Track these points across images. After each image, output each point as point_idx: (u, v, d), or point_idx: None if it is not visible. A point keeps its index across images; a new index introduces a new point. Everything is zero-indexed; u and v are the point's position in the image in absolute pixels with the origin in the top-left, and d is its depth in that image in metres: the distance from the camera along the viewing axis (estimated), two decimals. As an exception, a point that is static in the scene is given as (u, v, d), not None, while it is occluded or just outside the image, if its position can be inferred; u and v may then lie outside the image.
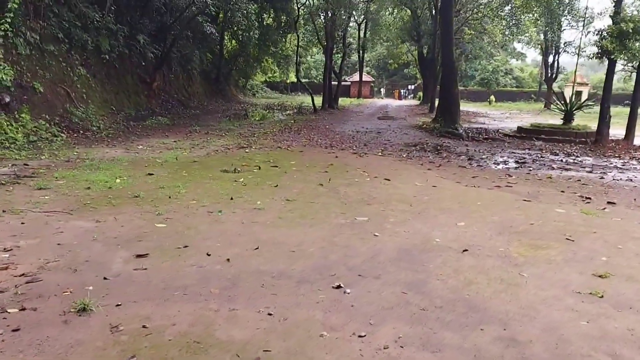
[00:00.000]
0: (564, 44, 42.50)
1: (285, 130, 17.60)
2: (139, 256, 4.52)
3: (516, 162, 11.95)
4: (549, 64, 44.20)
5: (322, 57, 44.13)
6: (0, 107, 12.04)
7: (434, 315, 3.55)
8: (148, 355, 2.92)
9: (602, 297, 3.98)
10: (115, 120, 17.45)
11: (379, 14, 41.98)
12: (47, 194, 6.90)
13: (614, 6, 15.28)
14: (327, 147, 13.38)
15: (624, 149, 14.79)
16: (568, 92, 43.20)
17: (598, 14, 23.50)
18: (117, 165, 9.38)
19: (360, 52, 49.29)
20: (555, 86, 46.22)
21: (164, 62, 24.60)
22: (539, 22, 26.59)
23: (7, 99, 12.17)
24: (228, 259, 4.51)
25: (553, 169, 11.16)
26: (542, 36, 41.58)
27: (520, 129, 18.53)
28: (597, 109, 16.82)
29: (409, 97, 59.63)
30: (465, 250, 5.04)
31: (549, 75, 44.29)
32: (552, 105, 19.57)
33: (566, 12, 24.86)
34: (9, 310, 3.38)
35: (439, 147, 13.94)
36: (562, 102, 18.42)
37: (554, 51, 43.15)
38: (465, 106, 43.44)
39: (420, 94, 47.81)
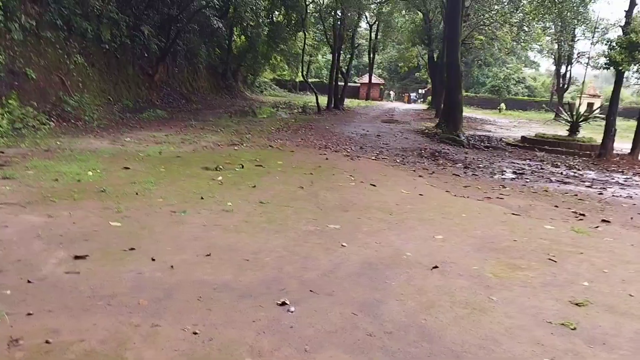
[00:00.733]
0: (577, 54, 41.80)
1: (283, 129, 17.25)
2: (77, 258, 4.17)
3: (514, 172, 11.52)
4: (561, 74, 43.50)
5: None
6: (-13, 92, 11.79)
7: (379, 342, 3.17)
8: (39, 377, 2.57)
9: (574, 329, 3.58)
10: (110, 110, 17.16)
11: (392, 16, 41.59)
12: (10, 184, 6.58)
13: (624, 16, 14.79)
14: (321, 148, 13.00)
15: (629, 164, 14.30)
16: (581, 104, 42.74)
17: (612, 24, 23.05)
18: (96, 157, 9.06)
19: (371, 53, 48.92)
20: (568, 97, 45.59)
21: (167, 55, 24.33)
22: (548, 29, 26.02)
23: (-5, 84, 11.91)
24: (172, 266, 4.15)
25: (551, 181, 10.73)
26: (555, 46, 40.94)
27: (524, 138, 18.06)
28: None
29: (419, 101, 59.12)
30: (436, 267, 4.65)
31: (561, 85, 43.59)
32: (562, 116, 18.99)
33: (579, 22, 24.22)
34: None
35: (436, 154, 13.54)
36: (568, 112, 17.91)
37: (566, 61, 42.44)
38: (474, 113, 43.08)
39: (430, 98, 47.32)
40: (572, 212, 7.77)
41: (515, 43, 32.31)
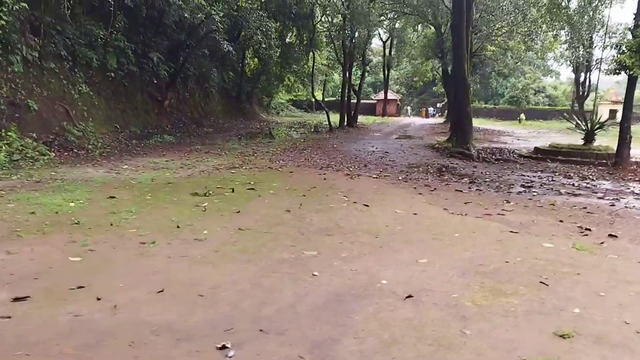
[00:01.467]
0: (595, 61, 40.82)
1: (289, 150, 17.00)
2: (16, 300, 3.90)
3: (522, 186, 11.00)
4: (580, 81, 42.54)
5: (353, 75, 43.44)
6: (-15, 125, 11.81)
7: (320, 392, 2.81)
8: None
9: (552, 368, 3.16)
10: (116, 138, 17.16)
11: (405, 31, 41.43)
12: (-17, 219, 6.41)
13: (633, 19, 14.23)
14: (322, 168, 12.67)
15: (647, 172, 13.63)
16: (603, 111, 41.60)
17: (627, 29, 22.24)
18: (85, 187, 8.89)
19: (386, 69, 48.77)
20: (590, 104, 44.48)
21: (176, 80, 24.41)
22: (558, 37, 25.42)
23: (-7, 117, 11.92)
24: (115, 306, 3.85)
25: (560, 194, 10.19)
26: (572, 53, 40.10)
27: (537, 149, 17.46)
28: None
29: (437, 115, 58.50)
30: (410, 296, 4.26)
31: (581, 93, 42.61)
32: (576, 124, 18.35)
33: (591, 28, 23.56)
34: None
35: (443, 169, 13.10)
36: (582, 120, 17.29)
37: (585, 68, 41.49)
38: (493, 125, 42.41)
39: (447, 112, 46.74)
40: (578, 226, 7.27)
41: (529, 52, 31.69)
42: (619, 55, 13.62)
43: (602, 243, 6.35)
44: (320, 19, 32.10)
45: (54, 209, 7.05)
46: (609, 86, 60.62)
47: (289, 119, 41.02)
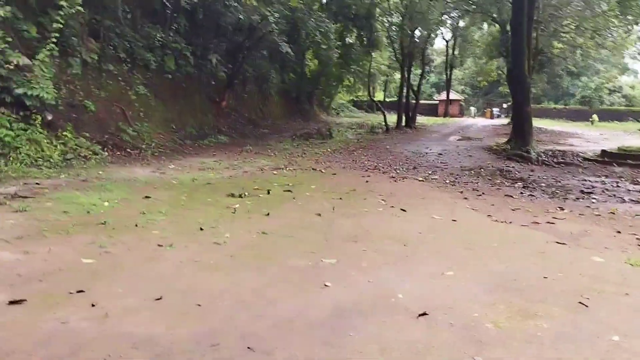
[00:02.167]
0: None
1: (339, 151, 16.74)
2: (11, 303, 3.83)
3: (581, 191, 10.20)
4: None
5: (413, 75, 42.63)
6: (43, 124, 12.22)
7: None
8: None
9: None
10: (171, 138, 17.46)
11: (468, 30, 40.27)
12: (17, 217, 6.50)
13: None
14: (368, 170, 12.31)
15: None
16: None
17: None
18: (125, 187, 8.97)
19: (448, 69, 47.59)
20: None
21: (234, 81, 24.67)
22: (630, 32, 23.68)
23: (50, 117, 12.30)
24: (107, 314, 3.70)
25: (624, 201, 9.35)
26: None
27: (604, 152, 16.29)
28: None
29: (502, 116, 56.36)
30: (424, 314, 3.87)
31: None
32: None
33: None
34: None
35: (497, 172, 12.41)
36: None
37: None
38: (562, 126, 40.32)
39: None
40: (637, 239, 6.57)
41: (602, 50, 29.85)
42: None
43: (661, 259, 5.67)
44: (380, 19, 31.61)
45: (87, 209, 7.09)
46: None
47: (348, 119, 40.70)
